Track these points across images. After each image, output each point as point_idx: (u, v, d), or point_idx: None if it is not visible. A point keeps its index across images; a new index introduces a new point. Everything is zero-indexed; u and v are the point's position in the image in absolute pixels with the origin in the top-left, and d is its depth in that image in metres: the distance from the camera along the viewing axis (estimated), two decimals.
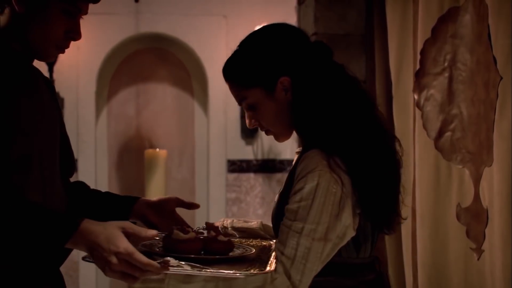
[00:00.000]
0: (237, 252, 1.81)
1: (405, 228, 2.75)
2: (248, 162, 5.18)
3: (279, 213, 1.83)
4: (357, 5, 3.42)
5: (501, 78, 2.19)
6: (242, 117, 5.10)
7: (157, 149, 5.68)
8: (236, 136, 5.20)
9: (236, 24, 5.18)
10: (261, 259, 1.79)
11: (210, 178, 5.29)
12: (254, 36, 1.91)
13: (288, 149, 5.09)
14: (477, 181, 2.37)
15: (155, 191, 5.53)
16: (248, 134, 5.13)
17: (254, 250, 1.84)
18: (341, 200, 1.73)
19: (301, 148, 1.93)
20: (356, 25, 3.44)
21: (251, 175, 5.20)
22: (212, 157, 5.30)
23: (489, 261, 2.30)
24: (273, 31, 1.90)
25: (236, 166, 5.20)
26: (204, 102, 5.52)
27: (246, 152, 5.17)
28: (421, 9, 2.56)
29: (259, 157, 5.17)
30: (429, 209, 2.53)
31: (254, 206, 5.14)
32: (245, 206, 5.14)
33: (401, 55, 2.79)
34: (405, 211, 1.95)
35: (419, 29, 2.59)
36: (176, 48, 5.66)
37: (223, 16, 5.25)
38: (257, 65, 1.85)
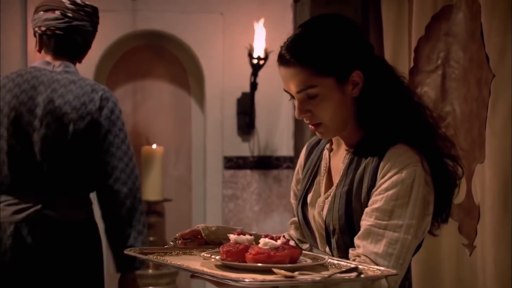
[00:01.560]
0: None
1: None
2: (244, 158, 5.20)
3: (350, 213, 1.77)
4: (353, 3, 3.46)
5: (494, 75, 2.22)
6: (239, 113, 5.13)
7: (154, 146, 5.70)
8: (232, 133, 5.21)
9: (232, 21, 5.20)
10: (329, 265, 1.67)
11: (207, 174, 5.31)
12: (327, 23, 1.79)
13: (285, 146, 5.11)
14: (469, 178, 2.40)
15: (152, 188, 5.53)
16: (245, 131, 5.15)
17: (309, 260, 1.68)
18: (428, 197, 1.72)
19: (346, 147, 1.85)
20: None
21: (248, 171, 5.22)
22: (208, 154, 5.32)
23: (481, 257, 2.34)
24: (345, 22, 1.80)
25: (233, 163, 5.21)
26: (200, 99, 5.54)
27: (243, 149, 5.18)
28: (415, 7, 2.60)
29: (256, 153, 5.19)
30: None
31: (251, 202, 5.16)
32: (242, 203, 5.16)
33: (396, 52, 2.82)
34: None
35: (413, 27, 2.62)
36: (173, 45, 5.67)
37: (220, 13, 5.26)
38: (337, 53, 1.75)
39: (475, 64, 2.34)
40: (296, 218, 1.99)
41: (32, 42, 5.49)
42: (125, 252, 1.77)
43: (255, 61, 4.76)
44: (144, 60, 5.91)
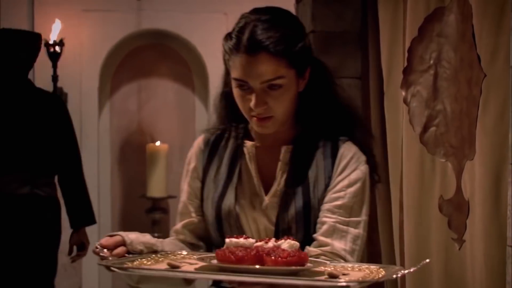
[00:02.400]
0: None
1: (395, 220, 2.85)
2: None
3: (308, 210, 1.77)
4: (353, 4, 3.52)
5: (485, 75, 2.27)
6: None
7: (158, 143, 5.77)
8: None
9: (236, 21, 5.28)
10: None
11: None
12: (291, 15, 1.81)
13: None
14: (459, 174, 2.45)
15: (156, 185, 5.63)
16: None
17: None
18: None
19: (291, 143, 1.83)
20: (353, 23, 3.52)
21: None
22: None
23: (470, 251, 2.38)
24: (296, 18, 1.83)
25: None
26: (204, 98, 5.61)
27: None
28: (409, 9, 2.65)
29: None
30: (414, 201, 2.62)
31: None
32: None
33: (392, 53, 2.86)
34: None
35: (407, 28, 2.67)
36: (178, 44, 5.74)
37: (224, 13, 5.33)
38: (304, 46, 1.77)
39: (465, 64, 2.39)
40: (183, 222, 1.90)
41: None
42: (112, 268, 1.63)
43: None
44: (149, 59, 5.98)
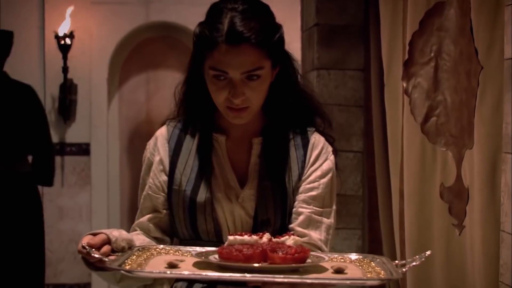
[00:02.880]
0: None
1: (395, 208, 2.93)
2: None
3: (285, 202, 1.78)
4: None
5: (482, 68, 2.35)
6: None
7: None
8: None
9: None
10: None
11: None
12: (267, 8, 1.80)
13: None
14: (459, 162, 2.53)
15: None
16: None
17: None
18: None
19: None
20: (356, 17, 3.62)
21: None
22: None
23: (469, 236, 2.46)
24: (269, 8, 1.82)
25: None
26: None
27: None
28: (410, 4, 2.72)
29: None
30: (415, 189, 2.70)
31: None
32: None
33: (392, 46, 2.94)
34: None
35: (408, 22, 2.75)
36: (185, 36, 5.74)
37: None
38: (281, 38, 1.77)
39: (464, 57, 2.46)
40: (149, 216, 1.85)
41: (50, 42, 5.63)
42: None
43: None
44: (157, 50, 6.01)
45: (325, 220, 1.77)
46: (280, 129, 1.81)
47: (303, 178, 1.79)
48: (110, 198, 5.99)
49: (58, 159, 5.78)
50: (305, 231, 1.75)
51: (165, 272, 1.51)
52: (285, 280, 1.44)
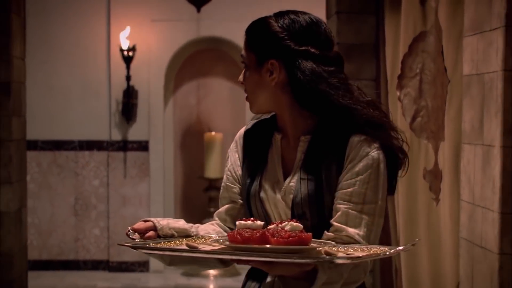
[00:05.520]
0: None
1: None
2: None
3: (321, 197, 1.75)
4: (369, 22, 4.15)
5: (449, 81, 2.94)
6: None
7: (214, 133, 6.22)
8: None
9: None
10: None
11: None
12: (267, 18, 1.83)
13: None
14: (436, 152, 3.11)
15: (212, 167, 6.08)
16: None
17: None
18: (386, 179, 1.77)
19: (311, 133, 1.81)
20: (369, 37, 4.15)
21: None
22: None
23: (442, 207, 3.05)
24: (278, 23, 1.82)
25: None
26: None
27: None
28: (402, 32, 3.37)
29: None
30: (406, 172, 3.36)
31: None
32: None
33: (394, 63, 3.55)
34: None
35: (400, 45, 3.39)
36: (231, 49, 6.22)
37: None
38: (266, 33, 1.79)
39: (439, 72, 3.04)
40: (226, 207, 1.90)
41: (115, 54, 6.12)
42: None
43: None
44: (206, 61, 6.46)
45: (365, 216, 1.71)
46: (326, 129, 1.77)
47: (341, 175, 1.74)
48: (166, 188, 6.44)
49: (121, 154, 6.22)
50: (342, 226, 1.71)
51: (148, 244, 1.65)
52: (251, 258, 1.54)
